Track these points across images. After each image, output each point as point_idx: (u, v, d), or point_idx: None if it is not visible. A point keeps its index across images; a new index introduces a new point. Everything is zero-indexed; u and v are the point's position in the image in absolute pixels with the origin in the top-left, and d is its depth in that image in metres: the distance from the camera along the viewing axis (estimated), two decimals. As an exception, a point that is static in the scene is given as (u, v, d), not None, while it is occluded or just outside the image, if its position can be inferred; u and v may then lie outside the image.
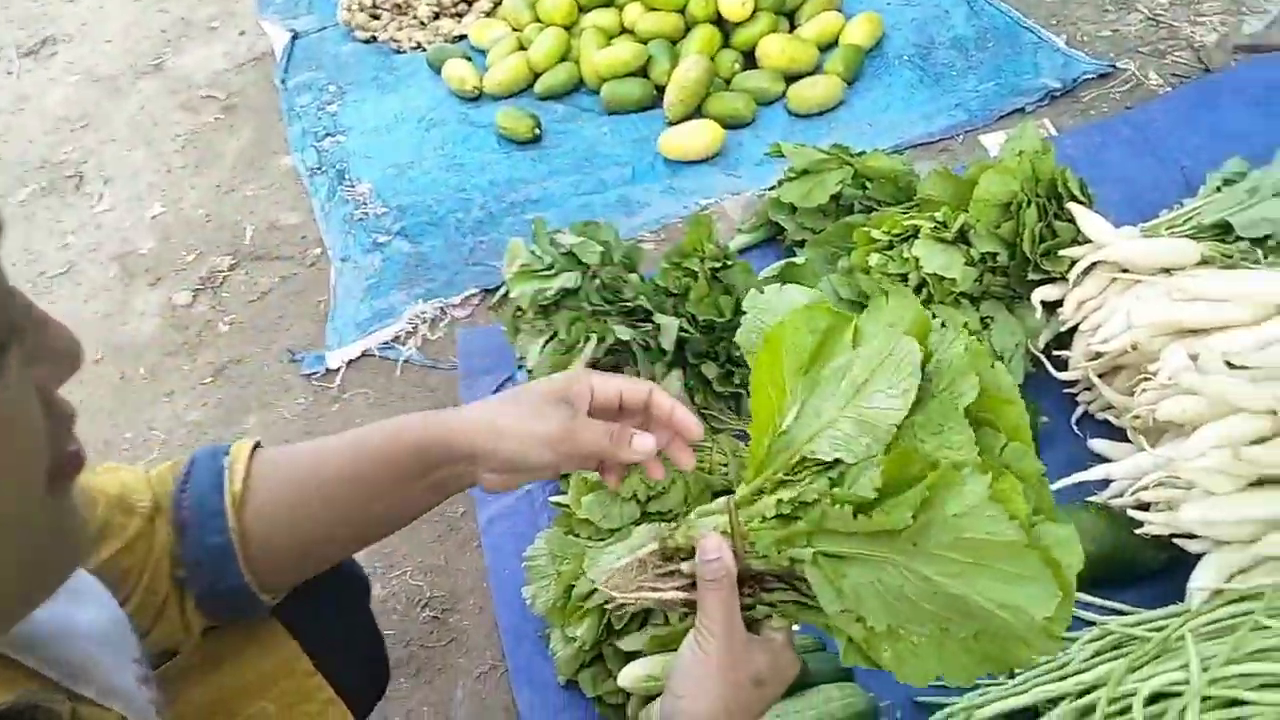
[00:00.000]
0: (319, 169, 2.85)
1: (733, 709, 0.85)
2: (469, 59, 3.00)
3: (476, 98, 2.93)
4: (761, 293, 0.99)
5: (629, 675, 1.49)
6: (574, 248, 1.82)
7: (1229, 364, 1.43)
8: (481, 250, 2.50)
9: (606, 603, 0.98)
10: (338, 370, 2.29)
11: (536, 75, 2.92)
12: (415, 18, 3.29)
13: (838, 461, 0.87)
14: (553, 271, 1.83)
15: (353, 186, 2.75)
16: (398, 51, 3.22)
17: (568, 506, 1.70)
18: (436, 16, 3.29)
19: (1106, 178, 1.94)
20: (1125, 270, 1.76)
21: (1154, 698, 1.23)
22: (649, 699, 1.50)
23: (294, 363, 2.35)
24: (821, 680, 1.46)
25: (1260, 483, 1.43)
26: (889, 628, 0.83)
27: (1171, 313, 1.54)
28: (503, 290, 1.91)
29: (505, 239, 2.05)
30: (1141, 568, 1.58)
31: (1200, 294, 1.52)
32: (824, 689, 1.45)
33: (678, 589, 0.94)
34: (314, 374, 2.30)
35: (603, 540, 1.64)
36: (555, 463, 0.95)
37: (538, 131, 2.75)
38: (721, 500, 0.94)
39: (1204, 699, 1.18)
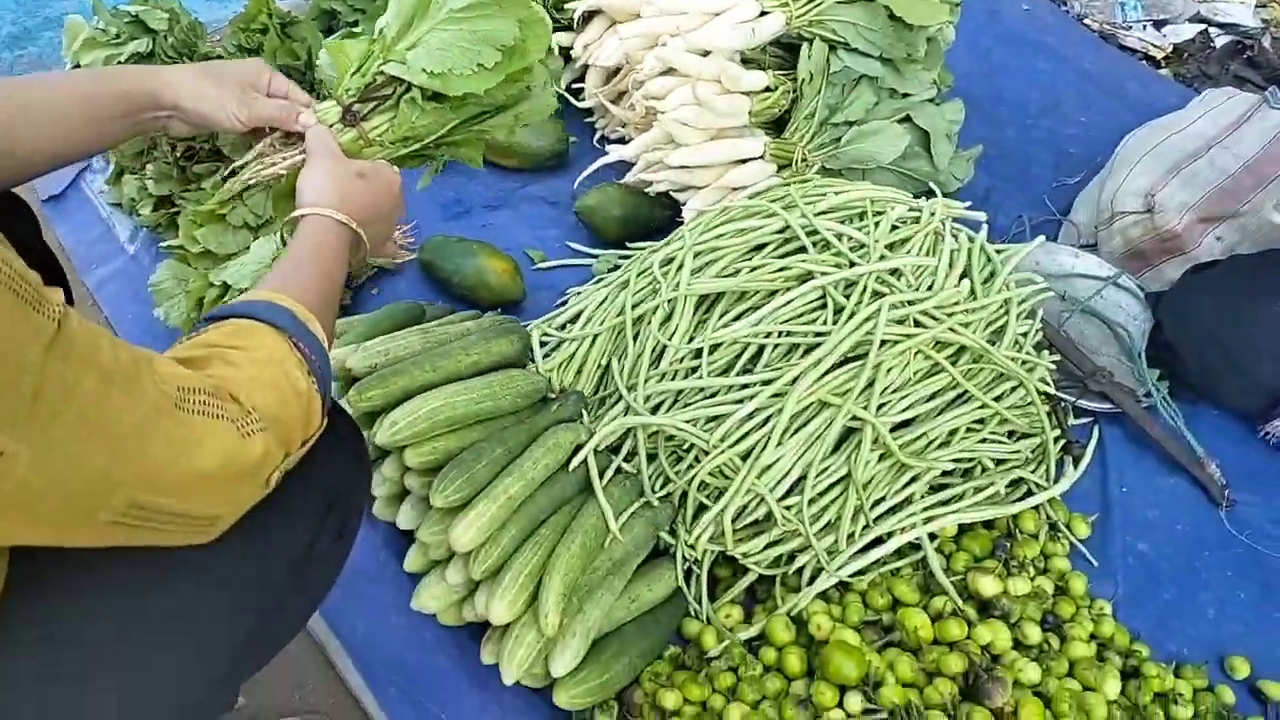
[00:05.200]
0: None
1: (343, 191, 1.15)
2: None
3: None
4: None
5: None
6: (140, 14, 1.93)
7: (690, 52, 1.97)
8: (22, 66, 2.42)
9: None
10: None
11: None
12: None
13: None
14: (121, 39, 1.93)
15: None
16: None
17: (181, 247, 1.86)
18: None
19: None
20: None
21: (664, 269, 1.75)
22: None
23: None
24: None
25: (716, 136, 2.01)
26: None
27: (646, 25, 2.06)
28: (70, 66, 1.97)
29: (47, 54, 2.04)
30: (655, 223, 2.13)
31: (665, 9, 2.05)
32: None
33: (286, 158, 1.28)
34: None
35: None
36: (236, 126, 1.22)
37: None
38: None
39: (696, 254, 1.71)
